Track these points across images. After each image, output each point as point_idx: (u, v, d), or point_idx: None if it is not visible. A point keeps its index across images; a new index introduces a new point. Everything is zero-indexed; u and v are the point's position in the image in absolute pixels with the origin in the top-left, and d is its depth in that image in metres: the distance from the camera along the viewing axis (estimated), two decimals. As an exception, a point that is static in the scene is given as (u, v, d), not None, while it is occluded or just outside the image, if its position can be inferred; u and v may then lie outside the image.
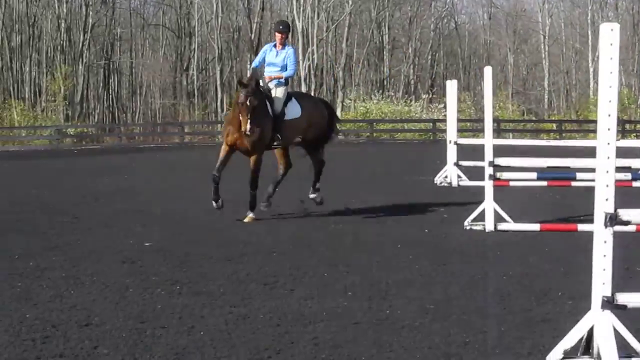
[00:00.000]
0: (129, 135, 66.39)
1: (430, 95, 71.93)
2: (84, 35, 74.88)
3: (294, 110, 18.58)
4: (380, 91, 72.70)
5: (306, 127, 19.04)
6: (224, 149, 18.06)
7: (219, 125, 69.46)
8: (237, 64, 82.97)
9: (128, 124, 78.20)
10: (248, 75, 20.22)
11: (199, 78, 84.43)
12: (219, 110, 79.55)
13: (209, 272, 12.54)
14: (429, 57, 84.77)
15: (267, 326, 9.41)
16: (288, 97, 18.59)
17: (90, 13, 75.51)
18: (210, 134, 66.72)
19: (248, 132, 16.79)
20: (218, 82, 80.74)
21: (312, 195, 19.45)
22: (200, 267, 12.88)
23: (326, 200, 19.56)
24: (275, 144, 18.46)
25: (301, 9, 72.75)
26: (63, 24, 76.09)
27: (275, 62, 18.42)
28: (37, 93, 75.34)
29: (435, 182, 25.40)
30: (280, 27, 18.96)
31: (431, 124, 59.02)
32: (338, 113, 71.41)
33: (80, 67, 75.23)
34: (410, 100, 69.71)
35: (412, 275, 12.21)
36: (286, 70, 18.42)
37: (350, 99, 71.59)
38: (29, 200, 21.94)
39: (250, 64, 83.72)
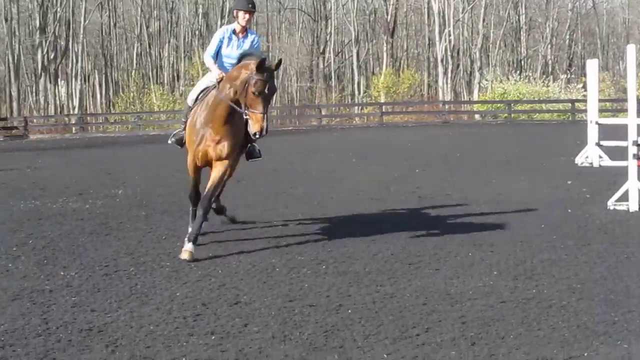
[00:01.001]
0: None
1: (569, 76, 70.79)
2: (221, 20, 75.47)
3: None
4: (518, 72, 71.79)
5: None
6: (191, 166, 13.70)
7: (356, 107, 69.55)
8: (373, 47, 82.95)
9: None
10: (205, 62, 14.49)
11: (335, 61, 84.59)
12: (356, 92, 79.56)
13: (354, 251, 12.67)
14: (567, 36, 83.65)
15: (413, 305, 9.50)
16: None
17: (228, -2, 76.27)
18: (348, 116, 66.77)
19: (264, 133, 12.35)
20: (354, 65, 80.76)
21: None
22: (345, 246, 12.99)
23: (470, 184, 19.48)
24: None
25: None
26: (200, 9, 76.95)
27: (235, 54, 13.63)
28: (176, 77, 76.31)
29: (576, 162, 25.11)
30: (249, 4, 13.97)
31: (570, 104, 58.21)
32: (475, 94, 70.99)
33: (217, 51, 75.87)
34: (548, 81, 68.64)
35: (556, 255, 12.15)
36: None
37: (487, 80, 70.90)
38: (172, 183, 22.30)
39: (387, 44, 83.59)
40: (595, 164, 24.46)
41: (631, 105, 16.81)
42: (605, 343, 8.02)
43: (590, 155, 24.93)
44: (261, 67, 12.38)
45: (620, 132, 18.92)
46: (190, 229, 13.16)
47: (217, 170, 13.31)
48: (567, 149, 27.30)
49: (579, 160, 25.20)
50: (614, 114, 50.05)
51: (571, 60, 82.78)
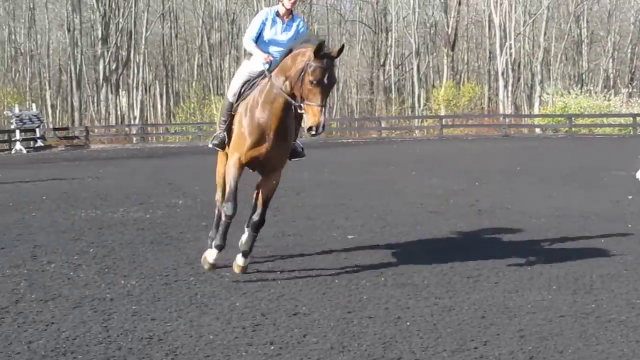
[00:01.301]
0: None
1: (631, 89, 70.37)
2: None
3: None
4: (579, 85, 71.43)
5: None
6: (236, 168, 11.62)
7: (416, 120, 69.36)
8: (433, 59, 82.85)
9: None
10: (246, 46, 12.40)
11: (395, 73, 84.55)
12: (416, 105, 79.43)
13: (413, 264, 12.68)
14: (629, 50, 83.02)
15: (472, 318, 9.53)
16: None
17: (288, 10, 76.07)
18: (408, 128, 66.56)
19: (320, 130, 10.74)
20: (415, 78, 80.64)
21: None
22: (404, 259, 13.01)
23: (530, 197, 19.43)
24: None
25: (498, 2, 72.17)
26: (262, 21, 77.16)
27: (280, 39, 12.03)
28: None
29: (637, 177, 24.95)
30: None
31: (631, 119, 57.79)
32: (536, 108, 70.60)
33: (278, 63, 76.15)
34: (610, 95, 68.29)
35: (616, 270, 12.09)
36: None
37: (548, 94, 70.58)
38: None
39: (448, 57, 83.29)
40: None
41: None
42: (664, 359, 8.00)
43: (653, 170, 24.77)
44: (320, 52, 10.76)
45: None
46: (215, 239, 11.95)
47: (276, 175, 12.06)
48: (628, 164, 27.10)
49: (639, 174, 25.04)
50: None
51: (633, 74, 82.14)
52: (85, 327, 9.16)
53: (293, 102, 11.02)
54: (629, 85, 73.60)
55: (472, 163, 33.09)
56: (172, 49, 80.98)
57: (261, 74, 11.80)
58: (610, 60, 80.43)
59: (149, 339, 8.72)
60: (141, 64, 73.88)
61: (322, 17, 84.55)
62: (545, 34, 74.97)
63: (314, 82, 10.61)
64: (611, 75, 79.68)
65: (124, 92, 74.38)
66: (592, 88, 70.14)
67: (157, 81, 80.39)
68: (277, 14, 11.98)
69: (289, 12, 12.01)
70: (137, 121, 70.58)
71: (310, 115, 10.63)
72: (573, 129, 58.23)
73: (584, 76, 77.70)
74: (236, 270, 11.89)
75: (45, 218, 18.18)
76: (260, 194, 12.19)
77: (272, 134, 11.40)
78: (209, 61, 78.80)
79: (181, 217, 17.96)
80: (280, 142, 11.48)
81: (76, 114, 71.34)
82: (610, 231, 15.59)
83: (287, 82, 11.09)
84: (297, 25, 12.10)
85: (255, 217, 12.13)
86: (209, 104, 71.36)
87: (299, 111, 10.98)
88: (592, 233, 15.45)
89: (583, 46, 79.59)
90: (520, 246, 14.22)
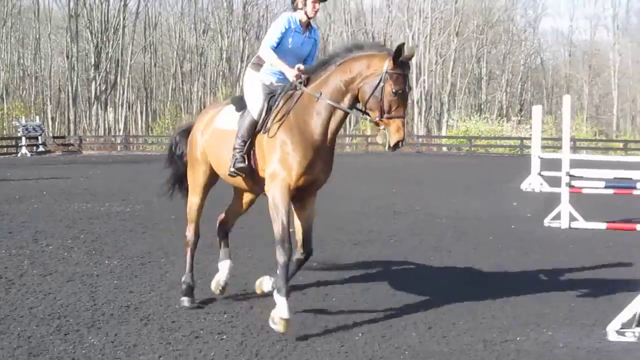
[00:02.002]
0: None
1: (519, 118, 70.91)
2: (241, 63, 75.59)
3: None
4: (478, 113, 72.08)
5: None
6: (287, 197, 8.21)
7: (347, 138, 69.04)
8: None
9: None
10: (265, 56, 8.79)
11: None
12: (348, 125, 79.58)
13: (340, 253, 12.83)
14: (519, 86, 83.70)
15: (386, 295, 9.67)
16: None
17: (247, 46, 76.21)
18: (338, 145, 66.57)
19: (401, 145, 8.07)
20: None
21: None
22: (334, 249, 13.14)
23: (436, 202, 19.62)
24: None
25: (415, 45, 72.45)
26: (224, 55, 76.97)
27: (301, 51, 8.90)
28: (202, 109, 76.32)
29: (521, 188, 25.29)
30: None
31: (519, 141, 58.54)
32: (443, 131, 70.99)
33: (237, 89, 76.05)
34: (503, 121, 69.10)
35: (500, 261, 12.33)
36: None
37: (454, 119, 71.04)
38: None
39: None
40: (537, 190, 24.60)
41: (565, 143, 17.01)
42: (534, 330, 8.21)
43: (533, 182, 25.08)
44: (399, 58, 7.88)
45: (557, 164, 19.06)
46: (279, 290, 8.01)
47: (314, 200, 8.79)
48: (515, 177, 27.43)
49: (524, 186, 25.35)
50: (554, 149, 50.18)
51: (522, 105, 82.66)
52: (76, 297, 9.21)
53: (370, 116, 8.05)
54: (518, 114, 74.17)
55: (390, 173, 33.28)
56: (152, 75, 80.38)
57: (284, 88, 8.64)
58: (504, 94, 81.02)
59: (127, 307, 8.79)
60: (126, 86, 73.40)
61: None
62: (452, 71, 75.40)
63: (398, 91, 7.86)
64: (504, 106, 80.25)
65: (111, 108, 73.72)
66: (488, 115, 70.75)
67: (138, 101, 79.74)
68: (299, 22, 8.83)
69: (309, 21, 8.91)
70: (121, 132, 70.11)
71: (395, 130, 7.82)
72: (472, 149, 58.75)
73: (482, 106, 78.20)
74: (282, 328, 7.83)
75: (45, 209, 18.13)
76: (301, 222, 8.69)
77: (326, 152, 8.40)
78: (181, 86, 78.28)
79: (155, 211, 17.91)
80: (331, 160, 8.62)
81: (72, 126, 70.89)
82: (498, 230, 15.85)
83: (349, 95, 8.14)
84: (317, 37, 9.18)
85: (300, 254, 8.67)
86: (180, 120, 71.04)
87: (380, 127, 7.93)
88: (483, 231, 15.69)
89: (482, 82, 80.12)
90: (427, 240, 14.44)
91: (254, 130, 8.51)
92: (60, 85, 76.87)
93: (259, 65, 8.92)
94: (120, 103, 73.89)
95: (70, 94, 72.16)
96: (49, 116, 74.69)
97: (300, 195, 8.47)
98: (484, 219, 17.68)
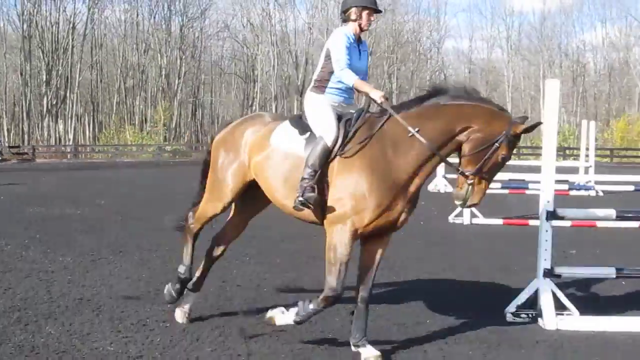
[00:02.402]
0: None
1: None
2: (178, 80, 75.04)
3: None
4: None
5: None
6: (351, 244, 6.76)
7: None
8: (287, 103, 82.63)
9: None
10: (345, 77, 6.94)
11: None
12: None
13: (271, 248, 12.84)
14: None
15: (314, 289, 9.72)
16: None
17: (184, 64, 75.69)
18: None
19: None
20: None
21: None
22: (264, 244, 13.16)
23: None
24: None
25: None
26: (163, 72, 76.27)
27: (359, 66, 7.23)
28: (144, 120, 75.31)
29: (429, 189, 25.52)
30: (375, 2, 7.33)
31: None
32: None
33: (175, 102, 75.38)
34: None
35: (410, 253, 12.44)
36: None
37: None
38: (140, 197, 22.36)
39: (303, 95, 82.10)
40: (442, 190, 24.81)
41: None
42: (441, 314, 8.32)
43: (439, 184, 25.31)
44: (524, 129, 6.68)
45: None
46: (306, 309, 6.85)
47: (388, 242, 7.30)
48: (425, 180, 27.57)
49: (431, 187, 25.56)
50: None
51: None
52: (34, 291, 9.05)
53: (460, 169, 6.70)
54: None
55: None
56: (98, 90, 79.19)
57: (360, 111, 7.02)
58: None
59: (80, 300, 8.66)
60: (75, 100, 72.10)
61: (208, 70, 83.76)
62: (367, 86, 75.53)
63: (505, 159, 6.64)
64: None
65: (61, 120, 72.33)
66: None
67: (86, 113, 78.43)
68: (355, 37, 7.24)
69: (360, 34, 7.36)
70: (70, 142, 68.94)
71: (480, 191, 6.66)
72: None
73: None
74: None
75: (4, 212, 17.77)
76: (367, 255, 7.08)
77: (412, 193, 6.83)
78: (124, 100, 77.32)
79: (103, 213, 17.74)
80: (417, 198, 7.03)
81: (26, 136, 69.58)
82: (408, 226, 15.96)
83: (453, 142, 6.70)
84: (368, 54, 7.69)
85: (364, 291, 6.96)
86: (124, 131, 70.24)
87: (467, 181, 6.65)
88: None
89: (394, 95, 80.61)
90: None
91: (327, 159, 6.79)
92: (15, 100, 75.61)
93: (321, 87, 7.17)
94: (69, 115, 72.68)
95: (24, 108, 70.97)
96: (5, 128, 73.44)
97: (371, 235, 6.92)
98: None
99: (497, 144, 6.50)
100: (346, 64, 6.98)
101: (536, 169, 10.53)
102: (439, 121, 6.61)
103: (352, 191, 6.59)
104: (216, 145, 7.78)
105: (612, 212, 8.69)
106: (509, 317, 8.16)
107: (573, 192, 20.55)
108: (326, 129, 6.85)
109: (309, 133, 7.00)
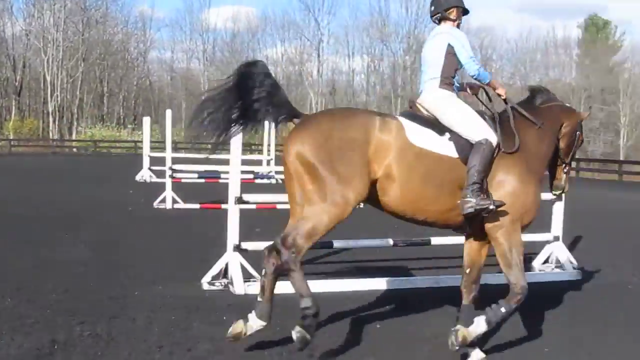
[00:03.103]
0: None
1: (134, 126, 70.20)
2: None
3: None
4: (102, 122, 70.77)
5: None
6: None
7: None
8: (5, 102, 77.55)
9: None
10: (482, 74, 6.26)
11: None
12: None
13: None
14: (133, 101, 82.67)
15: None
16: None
17: None
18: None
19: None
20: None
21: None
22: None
23: (70, 190, 18.95)
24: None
25: (47, 68, 69.08)
26: None
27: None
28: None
29: (136, 179, 25.19)
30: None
31: (134, 144, 58.38)
32: (74, 136, 68.57)
33: None
34: (121, 128, 68.56)
35: (118, 237, 12.22)
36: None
37: (82, 127, 69.15)
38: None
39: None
40: (148, 180, 24.60)
41: (168, 144, 17.23)
42: (149, 285, 8.28)
43: (145, 175, 25.07)
44: (588, 116, 6.91)
45: (162, 161, 19.14)
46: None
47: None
48: (131, 172, 27.17)
49: (138, 178, 25.26)
50: (160, 150, 50.38)
51: (135, 116, 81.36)
52: None
53: (565, 161, 6.55)
54: (133, 123, 73.28)
55: (33, 172, 31.69)
56: None
57: (488, 108, 6.38)
58: (122, 107, 79.65)
59: None
60: None
61: None
62: (80, 89, 72.72)
63: (581, 143, 6.69)
64: (122, 117, 78.66)
65: None
66: (110, 124, 69.84)
67: None
68: None
69: None
70: None
71: (566, 177, 6.60)
72: (97, 149, 57.89)
73: (104, 116, 76.03)
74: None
75: None
76: (477, 255, 6.20)
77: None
78: None
79: None
80: None
81: None
82: (118, 212, 15.67)
83: (563, 134, 6.51)
84: None
85: (476, 290, 6.17)
86: None
87: (564, 170, 6.55)
88: (106, 214, 15.45)
89: (105, 98, 78.23)
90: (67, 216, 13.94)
91: (493, 160, 5.89)
92: None
93: (450, 85, 6.26)
94: None
95: None
96: None
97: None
98: (107, 203, 17.40)
99: (578, 133, 6.50)
100: (478, 60, 6.36)
101: (227, 162, 10.80)
102: (550, 119, 6.36)
103: (518, 192, 5.89)
104: (317, 147, 5.52)
105: (286, 196, 9.12)
106: (206, 286, 8.29)
107: (258, 181, 21.21)
108: (485, 130, 5.92)
109: (447, 133, 5.95)
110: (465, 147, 5.85)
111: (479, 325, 5.68)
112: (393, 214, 5.88)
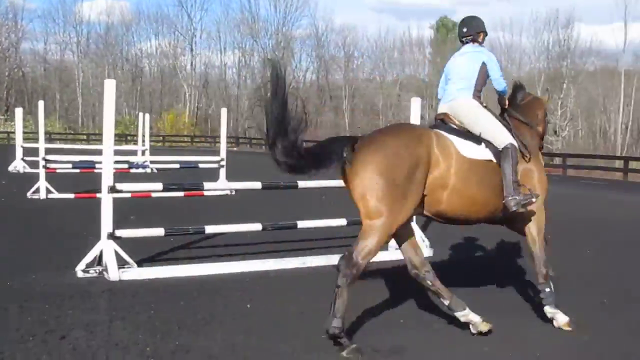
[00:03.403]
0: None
1: (6, 116, 67.01)
2: None
3: None
4: None
5: None
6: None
7: None
8: None
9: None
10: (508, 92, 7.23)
11: None
12: None
13: None
14: (5, 92, 78.59)
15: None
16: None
17: None
18: None
19: None
20: None
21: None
22: None
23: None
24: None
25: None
26: None
27: None
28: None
29: (9, 170, 24.07)
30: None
31: (7, 135, 55.87)
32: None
33: None
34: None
35: None
36: None
37: None
38: None
39: None
40: (21, 171, 23.56)
41: (41, 135, 16.52)
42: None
43: (18, 165, 23.98)
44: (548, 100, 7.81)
45: (36, 151, 18.29)
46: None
47: None
48: (4, 162, 25.74)
49: (11, 168, 24.15)
50: (34, 140, 48.41)
51: (8, 107, 77.59)
52: None
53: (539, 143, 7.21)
54: (5, 114, 69.81)
55: None
56: None
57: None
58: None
59: None
60: None
61: None
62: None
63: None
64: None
65: None
66: None
67: None
68: None
69: None
70: None
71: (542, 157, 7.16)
72: None
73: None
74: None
75: None
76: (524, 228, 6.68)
77: None
78: None
79: None
80: None
81: None
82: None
83: (542, 126, 7.11)
84: None
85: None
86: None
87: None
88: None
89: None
90: None
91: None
92: None
93: (479, 97, 6.76)
94: None
95: None
96: None
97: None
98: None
99: (547, 118, 7.25)
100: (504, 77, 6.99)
101: (101, 152, 10.47)
102: (531, 114, 7.05)
103: (538, 181, 6.60)
104: (381, 164, 5.56)
105: (159, 185, 9.11)
106: (80, 274, 8.02)
107: (133, 170, 20.75)
108: (508, 136, 6.49)
109: (483, 142, 6.40)
110: (497, 152, 6.34)
111: (553, 311, 6.39)
112: (445, 220, 6.21)
